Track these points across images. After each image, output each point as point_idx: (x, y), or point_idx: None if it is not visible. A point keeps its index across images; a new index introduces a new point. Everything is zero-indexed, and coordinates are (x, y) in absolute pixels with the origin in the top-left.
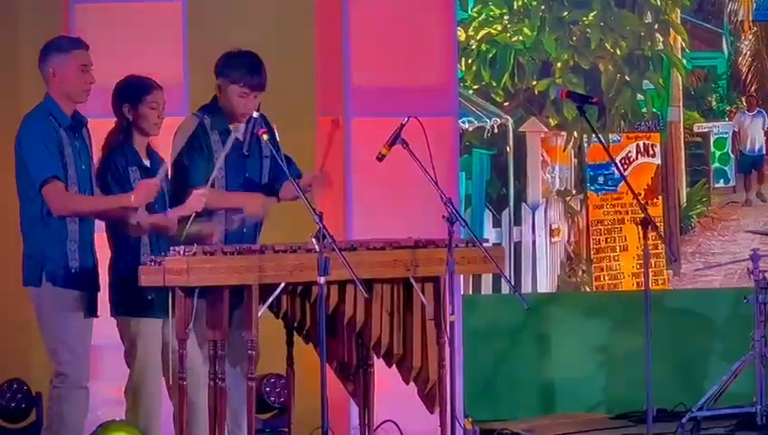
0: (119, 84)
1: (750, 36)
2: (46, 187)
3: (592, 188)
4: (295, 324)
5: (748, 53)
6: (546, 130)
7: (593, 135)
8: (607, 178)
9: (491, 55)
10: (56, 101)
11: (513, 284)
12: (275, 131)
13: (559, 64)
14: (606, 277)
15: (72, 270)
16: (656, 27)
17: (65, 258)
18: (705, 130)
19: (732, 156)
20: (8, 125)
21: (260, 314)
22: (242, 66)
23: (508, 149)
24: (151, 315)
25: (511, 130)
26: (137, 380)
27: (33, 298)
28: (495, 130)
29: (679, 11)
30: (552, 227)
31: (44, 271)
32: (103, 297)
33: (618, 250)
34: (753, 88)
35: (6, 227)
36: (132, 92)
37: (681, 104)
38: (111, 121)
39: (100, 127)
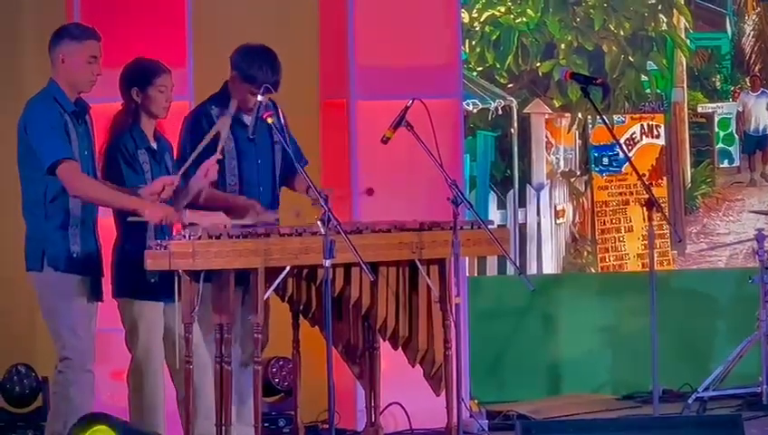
0: (127, 67)
1: (754, 16)
2: (61, 166)
3: (597, 169)
4: (301, 307)
5: (752, 33)
6: (550, 111)
7: (597, 116)
8: (611, 159)
9: (495, 37)
10: (60, 86)
11: (518, 265)
12: (282, 117)
13: (563, 46)
14: (611, 258)
15: (74, 255)
16: (659, 8)
17: (66, 243)
18: (710, 110)
19: (736, 136)
20: (10, 111)
21: (266, 297)
22: (259, 66)
23: (512, 130)
24: (153, 299)
25: (515, 111)
26: (139, 364)
27: (34, 283)
28: (500, 112)
29: None
30: (557, 209)
31: (45, 256)
32: (106, 279)
33: (622, 231)
34: (757, 68)
35: (10, 213)
36: (141, 76)
37: (685, 85)
38: (114, 106)
39: (103, 111)
